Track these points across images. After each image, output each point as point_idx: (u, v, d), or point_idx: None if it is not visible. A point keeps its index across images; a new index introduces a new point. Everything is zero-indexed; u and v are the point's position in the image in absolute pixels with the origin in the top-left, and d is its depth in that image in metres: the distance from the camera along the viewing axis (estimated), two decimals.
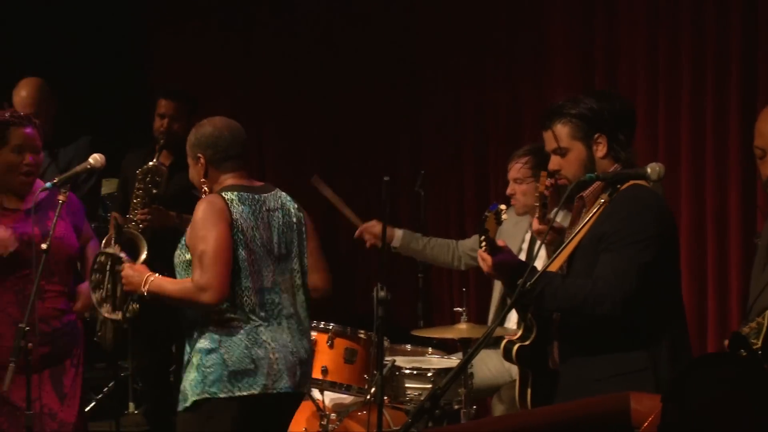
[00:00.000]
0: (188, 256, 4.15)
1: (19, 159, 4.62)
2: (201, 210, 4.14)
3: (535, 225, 4.10)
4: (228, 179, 4.26)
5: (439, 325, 6.33)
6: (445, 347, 5.71)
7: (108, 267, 4.42)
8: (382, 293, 4.81)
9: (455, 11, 6.78)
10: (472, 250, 5.34)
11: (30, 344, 4.23)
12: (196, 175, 4.32)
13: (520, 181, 5.26)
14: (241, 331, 4.12)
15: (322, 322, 5.34)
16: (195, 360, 4.15)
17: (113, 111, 8.14)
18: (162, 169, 5.85)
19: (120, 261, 4.36)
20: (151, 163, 5.82)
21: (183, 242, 4.21)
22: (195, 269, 4.06)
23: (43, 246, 4.35)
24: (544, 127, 3.75)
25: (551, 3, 6.30)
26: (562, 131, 3.70)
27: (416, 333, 5.27)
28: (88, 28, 8.27)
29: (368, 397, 5.23)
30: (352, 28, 7.36)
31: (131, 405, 6.54)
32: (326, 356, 5.28)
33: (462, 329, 4.96)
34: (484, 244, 3.59)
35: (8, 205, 4.68)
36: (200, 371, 4.13)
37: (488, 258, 3.62)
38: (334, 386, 5.31)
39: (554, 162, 3.76)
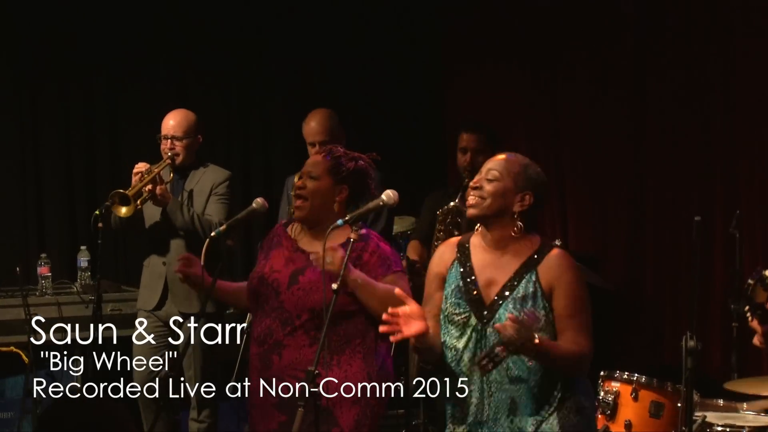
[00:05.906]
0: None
1: (298, 183, 4.67)
2: (575, 270, 3.92)
3: None
4: (535, 233, 4.02)
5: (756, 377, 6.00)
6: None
7: None
8: (691, 343, 4.56)
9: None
10: None
11: (319, 389, 4.06)
12: (516, 207, 4.02)
13: None
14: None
15: (626, 373, 5.31)
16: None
17: (408, 148, 8.42)
18: (463, 210, 5.84)
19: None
20: (452, 204, 5.84)
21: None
22: (583, 335, 3.86)
23: (334, 286, 4.19)
24: None
25: None
26: None
27: (729, 387, 5.08)
28: (385, 67, 8.65)
29: None
30: (660, 70, 7.21)
31: None
32: (630, 409, 5.25)
33: None
34: (749, 314, 3.58)
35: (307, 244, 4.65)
36: None
37: (758, 328, 3.60)
38: None
39: None
